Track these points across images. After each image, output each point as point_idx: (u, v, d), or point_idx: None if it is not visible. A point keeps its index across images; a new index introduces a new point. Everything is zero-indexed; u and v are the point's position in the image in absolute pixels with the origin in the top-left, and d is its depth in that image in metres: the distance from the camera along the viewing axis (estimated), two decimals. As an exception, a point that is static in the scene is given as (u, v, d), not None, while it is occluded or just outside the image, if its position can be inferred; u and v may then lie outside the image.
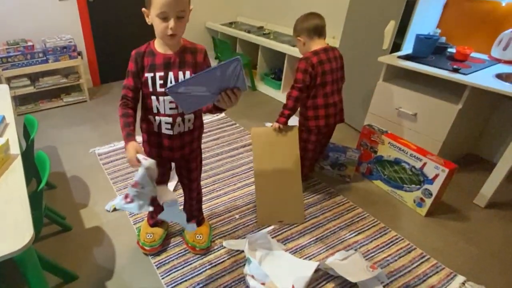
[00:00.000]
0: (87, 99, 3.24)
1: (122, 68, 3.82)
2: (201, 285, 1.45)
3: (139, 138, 1.20)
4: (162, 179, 1.52)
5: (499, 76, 1.83)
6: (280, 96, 3.27)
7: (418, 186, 1.86)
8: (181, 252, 1.62)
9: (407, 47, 2.25)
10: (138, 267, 1.55)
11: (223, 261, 1.56)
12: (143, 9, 1.14)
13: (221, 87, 1.00)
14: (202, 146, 2.47)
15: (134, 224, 1.78)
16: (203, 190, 1.96)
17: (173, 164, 1.52)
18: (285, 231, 1.74)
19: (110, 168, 2.25)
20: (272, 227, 1.64)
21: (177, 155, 1.34)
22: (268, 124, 2.63)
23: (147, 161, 1.07)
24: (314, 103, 1.79)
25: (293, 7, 3.49)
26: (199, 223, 1.68)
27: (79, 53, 3.09)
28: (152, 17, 1.10)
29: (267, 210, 1.79)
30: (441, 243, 1.68)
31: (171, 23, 1.06)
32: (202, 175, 2.14)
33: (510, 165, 1.74)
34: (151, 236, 1.59)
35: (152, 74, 1.17)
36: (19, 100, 3.09)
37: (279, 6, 3.67)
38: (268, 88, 3.49)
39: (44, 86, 2.99)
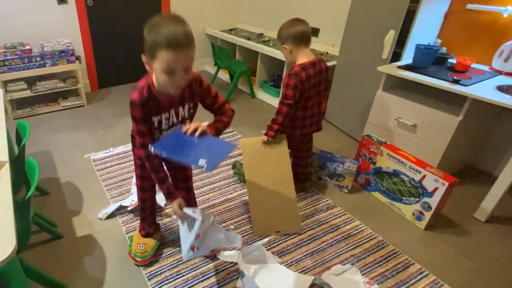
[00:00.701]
0: (84, 104, 3.23)
1: (121, 73, 3.93)
2: (193, 298, 1.43)
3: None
4: (152, 202, 1.59)
5: (500, 88, 1.82)
6: (279, 103, 3.25)
7: (417, 199, 1.84)
8: (174, 263, 1.59)
9: (407, 57, 2.25)
10: (129, 278, 1.53)
11: (217, 273, 1.53)
12: (142, 55, 1.07)
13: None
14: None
15: (126, 233, 1.76)
16: (198, 199, 1.95)
17: None
18: (281, 243, 1.71)
19: (104, 175, 2.23)
20: (267, 239, 1.61)
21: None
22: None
23: (198, 213, 1.21)
24: (293, 114, 1.78)
25: (293, 14, 3.47)
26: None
27: (77, 58, 3.09)
28: (155, 69, 1.05)
29: (263, 220, 1.76)
30: (441, 258, 1.65)
31: (178, 78, 1.03)
32: (198, 183, 2.14)
33: None
34: (143, 246, 1.56)
35: (158, 117, 1.19)
36: (16, 104, 3.08)
37: (280, 13, 3.68)
38: (267, 95, 3.48)
39: (41, 90, 2.99)
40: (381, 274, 1.56)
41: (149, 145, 1.13)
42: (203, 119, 1.27)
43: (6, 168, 1.22)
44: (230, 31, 4.02)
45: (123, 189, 2.09)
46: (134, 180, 2.03)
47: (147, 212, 1.55)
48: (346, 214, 1.92)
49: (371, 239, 1.75)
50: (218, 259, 1.60)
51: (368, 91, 2.41)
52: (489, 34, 2.12)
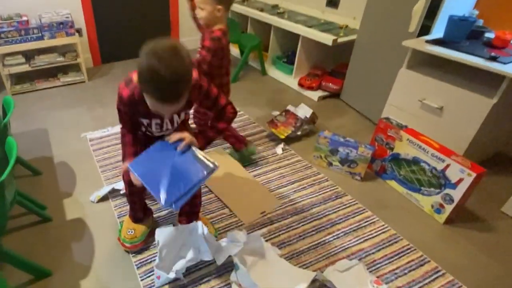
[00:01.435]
0: (85, 80, 3.18)
1: (125, 47, 3.83)
2: (183, 290, 1.37)
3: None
4: (143, 195, 1.53)
5: (545, 66, 1.61)
6: (292, 82, 3.10)
7: (438, 190, 1.69)
8: (165, 251, 1.54)
9: (438, 30, 2.02)
10: (117, 265, 1.49)
11: (210, 264, 1.47)
12: (132, 74, 1.07)
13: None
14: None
15: (118, 217, 1.72)
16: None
17: None
18: (282, 233, 1.63)
19: (100, 155, 2.19)
20: (266, 229, 1.53)
21: None
22: (276, 113, 2.49)
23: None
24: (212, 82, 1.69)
25: (310, -18, 3.26)
26: (197, 218, 1.59)
27: (78, 30, 3.01)
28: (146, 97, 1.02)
29: (244, 209, 1.78)
30: (460, 256, 1.52)
31: (165, 120, 1.13)
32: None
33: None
34: (132, 232, 1.51)
35: (147, 121, 1.16)
36: (15, 79, 3.06)
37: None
38: (279, 73, 3.33)
39: (39, 64, 2.94)
40: (392, 271, 1.45)
41: (128, 165, 1.17)
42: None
43: None
44: (242, 1, 3.82)
45: (118, 171, 2.04)
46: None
47: (135, 200, 1.48)
48: (356, 203, 1.81)
49: (383, 232, 1.64)
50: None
51: (390, 69, 2.23)
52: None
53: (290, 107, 2.42)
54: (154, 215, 1.69)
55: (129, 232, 1.52)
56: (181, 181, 1.09)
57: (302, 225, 1.68)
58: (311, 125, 2.38)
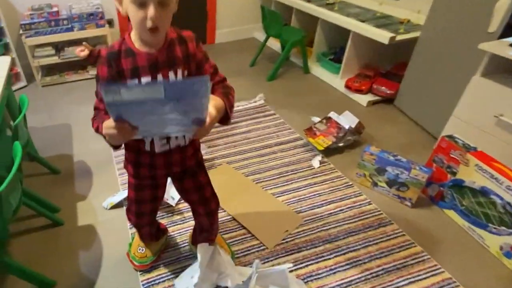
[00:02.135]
0: (115, 73, 3.32)
1: None
2: (191, 319, 1.34)
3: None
4: (152, 218, 1.44)
5: None
6: (338, 83, 2.98)
7: (511, 230, 1.49)
8: (176, 272, 1.52)
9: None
10: (124, 281, 1.50)
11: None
12: None
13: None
14: (227, 139, 2.44)
15: (130, 228, 1.74)
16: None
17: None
18: (311, 264, 1.54)
19: (119, 156, 2.25)
20: (291, 264, 1.46)
21: (177, 169, 1.20)
22: (315, 119, 2.39)
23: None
24: None
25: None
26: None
27: (109, 22, 3.14)
28: (125, 3, 0.91)
29: (266, 230, 1.73)
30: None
31: (151, 11, 0.86)
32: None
33: None
34: (143, 250, 1.51)
35: (136, 81, 1.00)
36: (45, 71, 3.28)
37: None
38: (324, 71, 3.22)
39: (69, 56, 3.12)
40: (443, 328, 1.30)
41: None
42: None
43: None
44: (289, -9, 3.77)
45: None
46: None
47: (143, 229, 1.47)
48: (403, 235, 1.67)
49: (434, 275, 1.48)
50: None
51: (460, 74, 2.04)
52: None
53: (332, 114, 2.30)
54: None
55: (139, 250, 1.52)
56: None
57: (335, 256, 1.57)
58: (356, 135, 2.25)
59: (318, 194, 1.92)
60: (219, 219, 1.75)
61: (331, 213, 1.80)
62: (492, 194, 1.56)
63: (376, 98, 2.76)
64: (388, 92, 2.71)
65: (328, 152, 2.21)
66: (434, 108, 2.31)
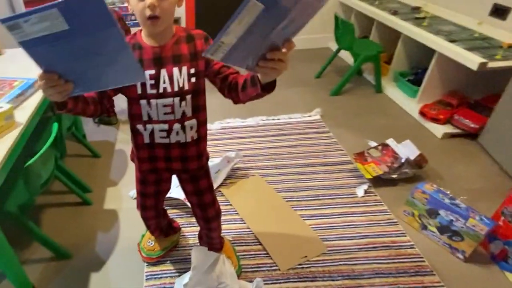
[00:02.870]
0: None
1: None
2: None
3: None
4: (156, 213, 1.59)
5: None
6: (413, 107, 2.93)
7: None
8: (180, 271, 1.69)
9: None
10: (129, 270, 1.72)
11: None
12: None
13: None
14: (268, 150, 2.59)
15: (148, 220, 1.96)
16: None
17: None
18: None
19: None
20: (303, 284, 1.53)
21: (177, 166, 1.33)
22: (372, 143, 2.40)
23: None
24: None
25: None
26: (220, 246, 1.70)
27: (176, 20, 3.53)
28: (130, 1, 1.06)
29: (283, 251, 1.80)
30: None
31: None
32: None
33: None
34: (151, 244, 1.72)
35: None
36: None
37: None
38: (399, 93, 3.18)
39: None
40: None
41: None
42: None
43: (17, 131, 1.51)
44: (374, 0, 3.82)
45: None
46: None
47: (149, 222, 1.65)
48: (444, 291, 1.60)
49: None
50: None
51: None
52: None
53: (390, 141, 2.30)
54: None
55: (149, 243, 1.73)
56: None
57: (358, 303, 1.58)
58: (415, 169, 2.20)
59: (353, 225, 1.93)
60: (238, 230, 1.90)
61: (361, 248, 1.80)
62: (559, 261, 1.44)
63: (456, 130, 2.65)
64: (472, 126, 2.58)
65: (378, 182, 2.19)
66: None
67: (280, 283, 1.64)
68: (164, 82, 1.15)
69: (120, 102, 3.17)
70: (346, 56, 3.83)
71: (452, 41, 2.69)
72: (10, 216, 1.56)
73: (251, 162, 2.40)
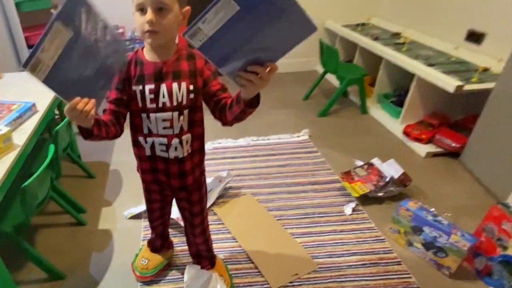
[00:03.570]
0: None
1: None
2: None
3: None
4: (162, 213, 1.61)
5: None
6: (397, 127, 2.98)
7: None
8: (175, 291, 1.66)
9: None
10: (123, 289, 1.69)
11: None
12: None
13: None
14: (259, 170, 2.59)
15: (142, 240, 1.95)
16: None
17: None
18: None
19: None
20: None
21: (175, 183, 1.36)
22: (359, 163, 2.42)
23: None
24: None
25: (448, 10, 3.14)
26: (212, 264, 1.69)
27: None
28: (133, 13, 1.11)
29: (274, 269, 1.79)
30: None
31: (148, 14, 1.04)
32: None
33: None
34: (145, 262, 1.70)
35: (140, 87, 1.17)
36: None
37: (429, 8, 3.37)
38: (384, 114, 3.25)
39: None
40: None
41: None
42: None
43: (15, 153, 1.51)
44: (357, 26, 3.94)
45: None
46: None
47: (155, 224, 1.65)
48: (434, 308, 1.61)
49: None
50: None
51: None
52: None
53: (375, 161, 2.33)
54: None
55: (142, 261, 1.71)
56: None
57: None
58: (400, 187, 2.23)
59: (342, 242, 1.93)
60: (230, 248, 1.89)
61: (350, 265, 1.80)
62: (539, 276, 1.46)
63: (438, 150, 2.70)
64: (453, 145, 2.63)
65: (365, 200, 2.21)
66: (504, 169, 2.19)
67: (271, 301, 1.63)
68: (163, 97, 1.18)
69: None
70: (332, 79, 3.90)
71: (430, 65, 2.77)
72: (5, 237, 1.54)
73: (243, 181, 2.40)
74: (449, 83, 2.43)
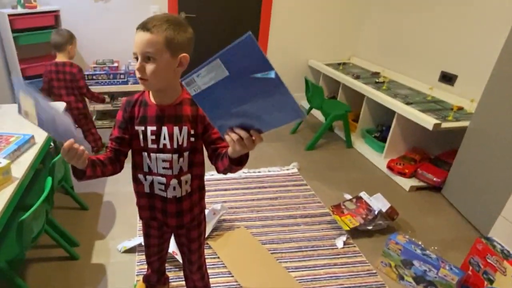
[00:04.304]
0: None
1: None
2: None
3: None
4: (160, 249, 1.55)
5: None
6: (381, 162, 3.04)
7: None
8: (170, 330, 1.58)
9: None
10: (118, 329, 1.59)
11: None
12: None
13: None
14: (251, 203, 2.57)
15: (137, 275, 1.86)
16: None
17: None
18: None
19: (146, 203, 2.44)
20: None
21: (172, 222, 1.32)
22: (348, 196, 2.44)
23: None
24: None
25: (422, 53, 3.31)
26: None
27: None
28: None
29: None
30: None
31: (137, 63, 1.06)
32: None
33: None
34: (141, 297, 1.61)
35: (143, 128, 1.18)
36: (99, 114, 3.86)
37: (404, 51, 3.55)
38: (368, 148, 3.32)
39: (119, 105, 3.61)
40: None
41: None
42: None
43: (13, 186, 1.45)
44: (338, 65, 4.07)
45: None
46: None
47: (151, 259, 1.59)
48: None
49: None
50: None
51: (510, 170, 2.02)
52: None
53: (363, 194, 2.35)
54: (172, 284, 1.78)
55: (138, 296, 1.62)
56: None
57: None
58: (388, 220, 2.24)
59: (335, 276, 1.91)
60: (226, 283, 1.83)
61: (344, 300, 1.77)
62: (528, 310, 1.47)
63: (421, 184, 2.75)
64: (435, 179, 2.69)
65: (355, 233, 2.21)
66: (484, 203, 2.25)
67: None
68: (164, 139, 1.18)
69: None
70: (318, 114, 3.97)
71: (408, 103, 2.88)
72: (-2, 272, 1.45)
73: (236, 214, 2.36)
74: (428, 121, 2.52)
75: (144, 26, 1.04)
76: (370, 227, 2.21)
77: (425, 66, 3.29)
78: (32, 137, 1.80)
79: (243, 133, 0.88)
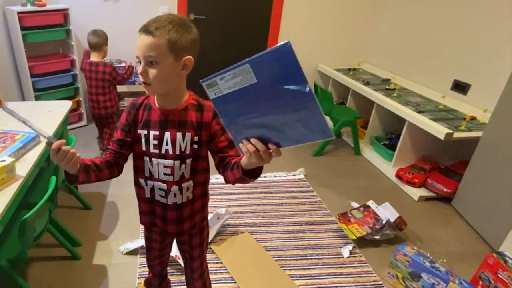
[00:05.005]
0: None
1: None
2: None
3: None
4: (161, 253, 1.52)
5: None
6: (390, 170, 3.01)
7: None
8: (170, 335, 1.57)
9: None
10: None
11: None
12: None
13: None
14: (256, 208, 2.57)
15: (138, 277, 1.86)
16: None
17: None
18: None
19: (149, 205, 2.45)
20: None
21: (172, 229, 1.30)
22: (355, 204, 2.42)
23: None
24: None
25: (435, 60, 3.29)
26: None
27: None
28: None
29: None
30: None
31: (140, 67, 1.05)
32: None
33: None
34: (142, 301, 1.61)
35: (145, 132, 1.17)
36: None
37: (416, 58, 3.52)
38: (376, 156, 3.29)
39: (125, 105, 3.60)
40: None
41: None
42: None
43: (17, 184, 1.46)
44: (348, 71, 4.05)
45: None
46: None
47: (152, 263, 1.57)
48: None
49: None
50: None
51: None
52: None
53: (371, 203, 2.32)
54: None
55: (139, 300, 1.62)
56: None
57: None
58: (396, 230, 2.22)
59: (340, 286, 1.88)
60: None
61: (349, 310, 1.75)
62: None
63: (431, 194, 2.72)
64: (445, 190, 2.66)
65: (362, 242, 2.18)
66: (495, 216, 2.21)
67: None
68: (166, 144, 1.16)
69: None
70: (326, 120, 3.94)
71: (420, 111, 2.85)
72: (-1, 271, 1.45)
73: (240, 219, 2.35)
74: (439, 130, 2.49)
75: (145, 29, 1.02)
76: (377, 237, 2.19)
77: (438, 74, 3.27)
78: (38, 135, 1.81)
79: (260, 146, 0.86)
